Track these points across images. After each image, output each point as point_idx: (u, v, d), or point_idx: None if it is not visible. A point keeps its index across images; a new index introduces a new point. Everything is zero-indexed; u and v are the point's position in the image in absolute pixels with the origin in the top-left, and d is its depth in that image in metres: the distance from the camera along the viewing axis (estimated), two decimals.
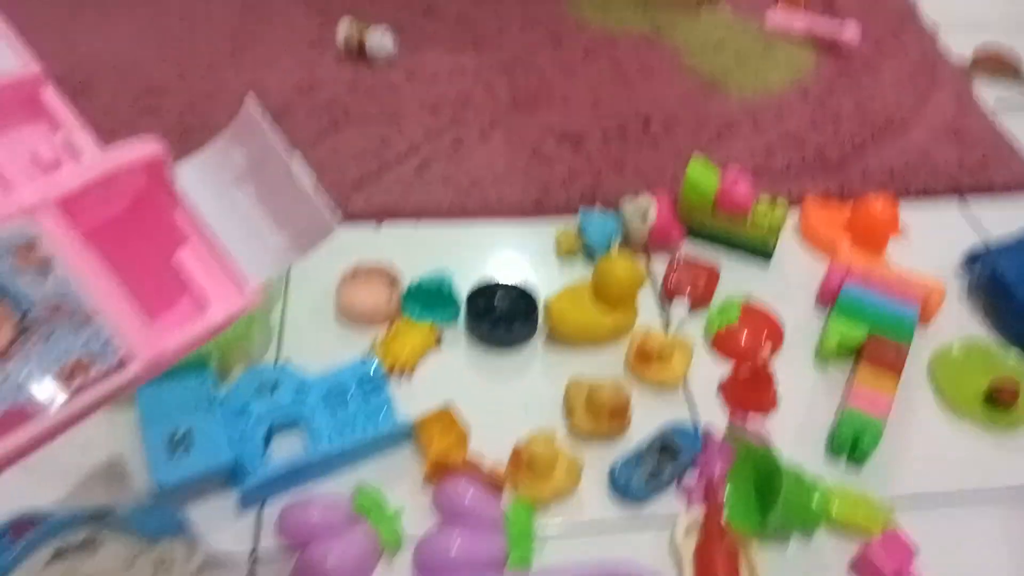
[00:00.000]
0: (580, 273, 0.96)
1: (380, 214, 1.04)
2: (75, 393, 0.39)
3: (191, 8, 1.37)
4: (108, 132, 0.49)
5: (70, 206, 0.43)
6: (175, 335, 0.44)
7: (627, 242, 0.99)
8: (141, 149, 0.46)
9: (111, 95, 1.18)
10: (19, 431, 0.37)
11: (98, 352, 0.40)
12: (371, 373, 0.82)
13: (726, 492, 0.75)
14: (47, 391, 0.38)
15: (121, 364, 0.40)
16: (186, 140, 1.13)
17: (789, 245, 1.03)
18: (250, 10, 1.38)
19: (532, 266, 0.98)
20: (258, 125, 0.47)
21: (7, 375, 0.38)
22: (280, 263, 0.49)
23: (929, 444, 0.83)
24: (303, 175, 0.47)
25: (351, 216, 1.04)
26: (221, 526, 0.73)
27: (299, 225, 0.47)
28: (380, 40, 1.24)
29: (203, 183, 0.48)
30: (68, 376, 0.39)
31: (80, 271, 0.42)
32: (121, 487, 0.74)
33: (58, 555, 0.60)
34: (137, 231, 0.48)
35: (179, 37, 1.31)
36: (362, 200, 1.06)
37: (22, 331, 0.39)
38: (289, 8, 1.38)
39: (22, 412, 0.37)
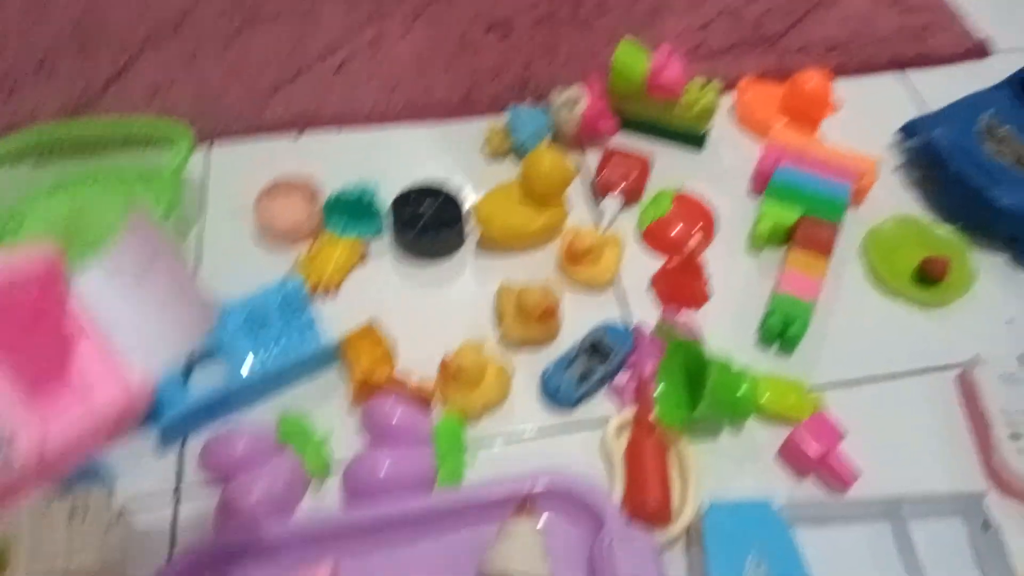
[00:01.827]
0: (510, 174, 0.92)
1: (299, 121, 0.99)
2: None
3: None
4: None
5: None
6: (59, 423, 0.44)
7: (558, 137, 0.95)
8: (37, 254, 0.46)
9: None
10: None
11: None
12: (294, 293, 0.79)
13: (657, 389, 0.74)
14: None
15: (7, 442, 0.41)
16: (84, 46, 1.07)
17: (725, 130, 1.00)
18: None
19: (461, 169, 0.94)
20: (146, 231, 0.50)
21: None
22: (170, 358, 0.51)
23: (860, 326, 0.82)
24: (189, 274, 0.52)
25: (269, 126, 0.99)
26: (142, 466, 0.71)
27: (188, 320, 0.50)
28: None
29: (99, 288, 0.50)
30: None
31: None
32: None
33: None
34: (30, 333, 0.47)
35: None
36: (280, 107, 1.00)
37: None
38: None
39: None
